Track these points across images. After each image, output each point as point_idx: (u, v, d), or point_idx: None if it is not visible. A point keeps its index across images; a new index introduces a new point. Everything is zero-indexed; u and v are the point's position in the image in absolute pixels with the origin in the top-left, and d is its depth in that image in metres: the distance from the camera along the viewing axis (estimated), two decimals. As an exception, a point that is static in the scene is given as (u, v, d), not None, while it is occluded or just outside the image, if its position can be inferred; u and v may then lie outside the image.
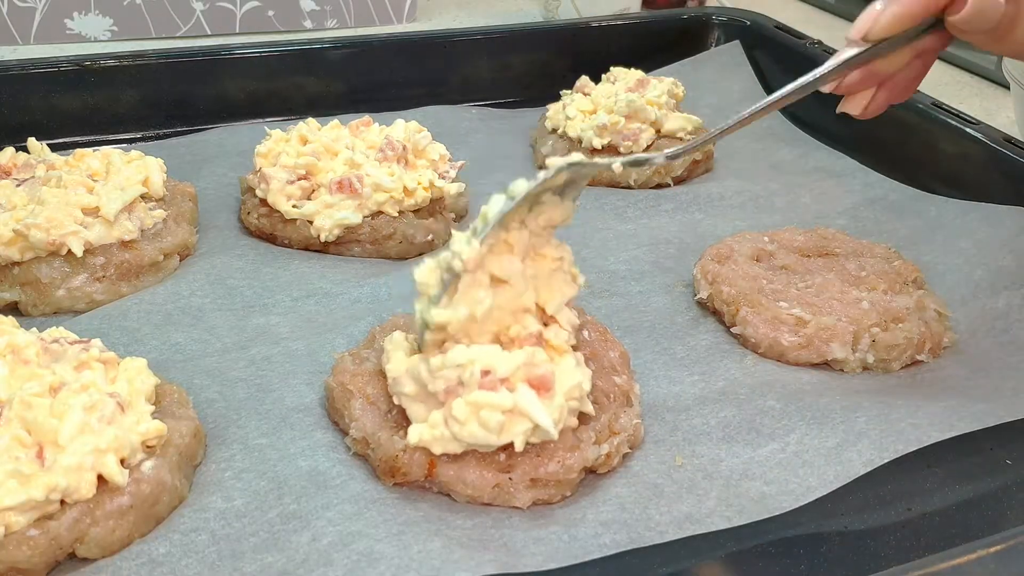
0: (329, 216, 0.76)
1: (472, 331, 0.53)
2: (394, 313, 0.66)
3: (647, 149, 0.91)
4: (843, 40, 0.60)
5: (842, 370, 0.66)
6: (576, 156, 0.53)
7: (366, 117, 0.85)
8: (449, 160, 0.83)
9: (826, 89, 0.61)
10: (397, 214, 0.77)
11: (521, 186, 0.52)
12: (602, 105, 0.92)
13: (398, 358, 0.55)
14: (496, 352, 0.53)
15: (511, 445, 0.52)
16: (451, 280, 0.52)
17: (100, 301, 0.69)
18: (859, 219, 0.86)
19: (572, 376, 0.54)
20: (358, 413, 0.56)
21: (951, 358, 0.67)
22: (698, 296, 0.72)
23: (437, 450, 0.52)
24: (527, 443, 0.52)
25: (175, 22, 1.19)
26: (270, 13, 1.22)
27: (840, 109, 0.64)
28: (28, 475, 0.47)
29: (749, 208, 0.88)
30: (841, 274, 0.72)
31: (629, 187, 0.91)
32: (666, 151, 0.60)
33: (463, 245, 0.52)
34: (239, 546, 0.50)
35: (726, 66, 1.10)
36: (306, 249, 0.78)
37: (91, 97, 0.94)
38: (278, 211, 0.77)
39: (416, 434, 0.52)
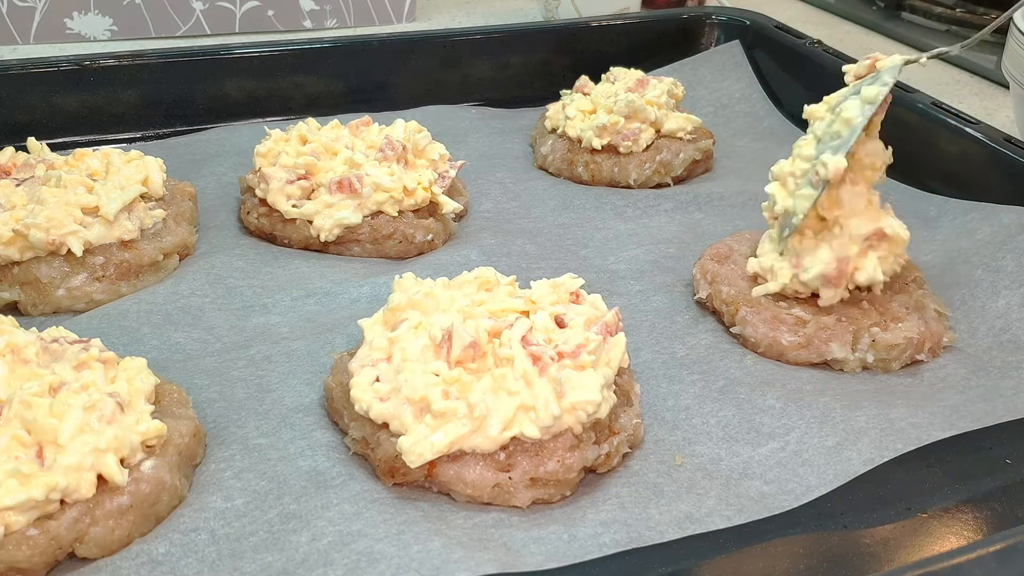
0: (329, 216, 0.76)
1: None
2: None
3: (647, 149, 0.91)
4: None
5: (842, 370, 0.66)
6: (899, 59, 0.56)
7: (366, 117, 0.85)
8: (449, 160, 0.83)
9: None
10: (397, 214, 0.77)
11: (872, 91, 0.54)
12: (602, 105, 0.92)
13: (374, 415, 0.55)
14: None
15: (512, 443, 0.52)
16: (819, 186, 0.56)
17: (100, 301, 0.70)
18: (859, 219, 0.86)
19: (591, 392, 0.53)
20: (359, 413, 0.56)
21: (951, 358, 0.67)
22: (698, 296, 0.72)
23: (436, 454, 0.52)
24: (527, 439, 0.52)
25: (175, 22, 1.19)
26: (270, 13, 1.22)
27: None
28: (28, 475, 0.47)
29: (749, 208, 0.88)
30: (841, 274, 0.72)
31: (629, 187, 0.90)
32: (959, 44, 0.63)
33: (830, 157, 0.55)
34: (239, 546, 0.50)
35: (726, 66, 1.10)
36: (306, 249, 0.78)
37: (91, 97, 0.94)
38: (278, 211, 0.77)
39: (415, 440, 0.52)
